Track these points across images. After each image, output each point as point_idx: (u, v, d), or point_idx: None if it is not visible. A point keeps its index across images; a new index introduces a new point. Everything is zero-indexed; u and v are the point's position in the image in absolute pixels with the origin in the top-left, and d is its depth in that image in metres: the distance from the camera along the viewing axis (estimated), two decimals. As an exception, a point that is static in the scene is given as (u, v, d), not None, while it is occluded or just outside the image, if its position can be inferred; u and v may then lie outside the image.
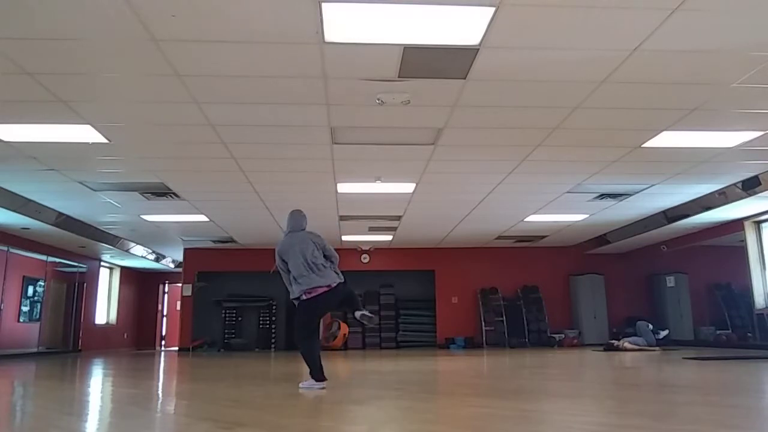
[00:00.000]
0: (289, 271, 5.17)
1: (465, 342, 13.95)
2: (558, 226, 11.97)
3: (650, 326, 12.13)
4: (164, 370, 8.89)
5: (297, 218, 5.37)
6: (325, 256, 5.16)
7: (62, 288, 14.19)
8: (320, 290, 5.05)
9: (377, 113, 5.56)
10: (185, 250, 14.21)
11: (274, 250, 5.30)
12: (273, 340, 14.68)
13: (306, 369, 5.11)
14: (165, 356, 12.89)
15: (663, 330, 12.35)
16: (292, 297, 5.23)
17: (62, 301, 14.18)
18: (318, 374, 4.98)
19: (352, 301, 5.36)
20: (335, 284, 5.09)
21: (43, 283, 13.22)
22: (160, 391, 5.59)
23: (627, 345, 11.42)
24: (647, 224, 11.22)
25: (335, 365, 8.33)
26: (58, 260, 13.42)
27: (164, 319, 18.97)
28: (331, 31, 4.04)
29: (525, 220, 11.14)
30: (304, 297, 5.08)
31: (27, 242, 11.56)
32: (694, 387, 5.32)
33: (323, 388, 4.91)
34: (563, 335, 13.97)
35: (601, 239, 13.26)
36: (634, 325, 13.37)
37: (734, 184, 8.52)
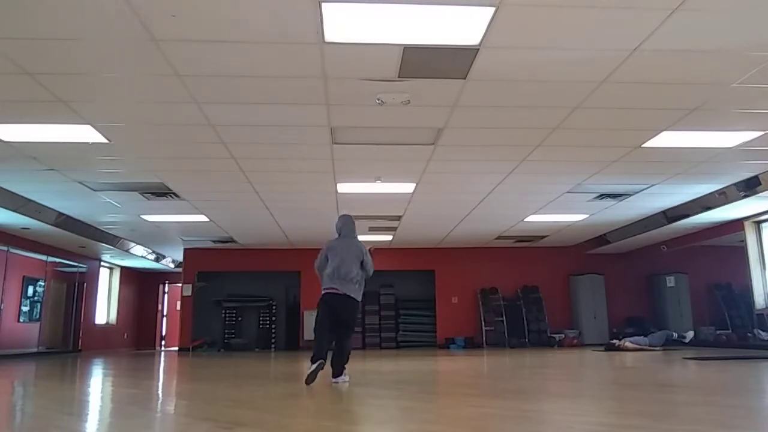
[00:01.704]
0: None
1: (465, 342, 13.95)
2: (558, 226, 11.96)
3: (674, 335, 12.06)
4: (164, 370, 8.88)
5: (349, 224, 5.78)
6: (362, 267, 5.54)
7: (62, 288, 14.18)
8: (330, 290, 5.45)
9: (377, 113, 5.55)
10: (185, 250, 14.21)
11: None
12: (273, 340, 14.64)
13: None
14: (165, 356, 12.88)
15: (688, 332, 12.33)
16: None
17: (62, 301, 14.18)
18: (313, 356, 5.14)
19: (344, 335, 5.56)
20: (343, 293, 5.41)
21: (43, 283, 13.22)
22: (160, 391, 5.59)
23: (628, 345, 11.41)
24: (647, 224, 11.22)
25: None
26: (58, 260, 13.42)
27: (164, 319, 18.97)
28: (331, 31, 4.04)
29: (525, 220, 11.14)
30: (322, 292, 5.55)
31: (27, 242, 11.56)
32: (694, 387, 5.31)
33: (316, 366, 5.05)
34: (563, 335, 13.97)
35: (601, 239, 13.25)
36: (639, 325, 13.39)
37: (734, 184, 8.52)
